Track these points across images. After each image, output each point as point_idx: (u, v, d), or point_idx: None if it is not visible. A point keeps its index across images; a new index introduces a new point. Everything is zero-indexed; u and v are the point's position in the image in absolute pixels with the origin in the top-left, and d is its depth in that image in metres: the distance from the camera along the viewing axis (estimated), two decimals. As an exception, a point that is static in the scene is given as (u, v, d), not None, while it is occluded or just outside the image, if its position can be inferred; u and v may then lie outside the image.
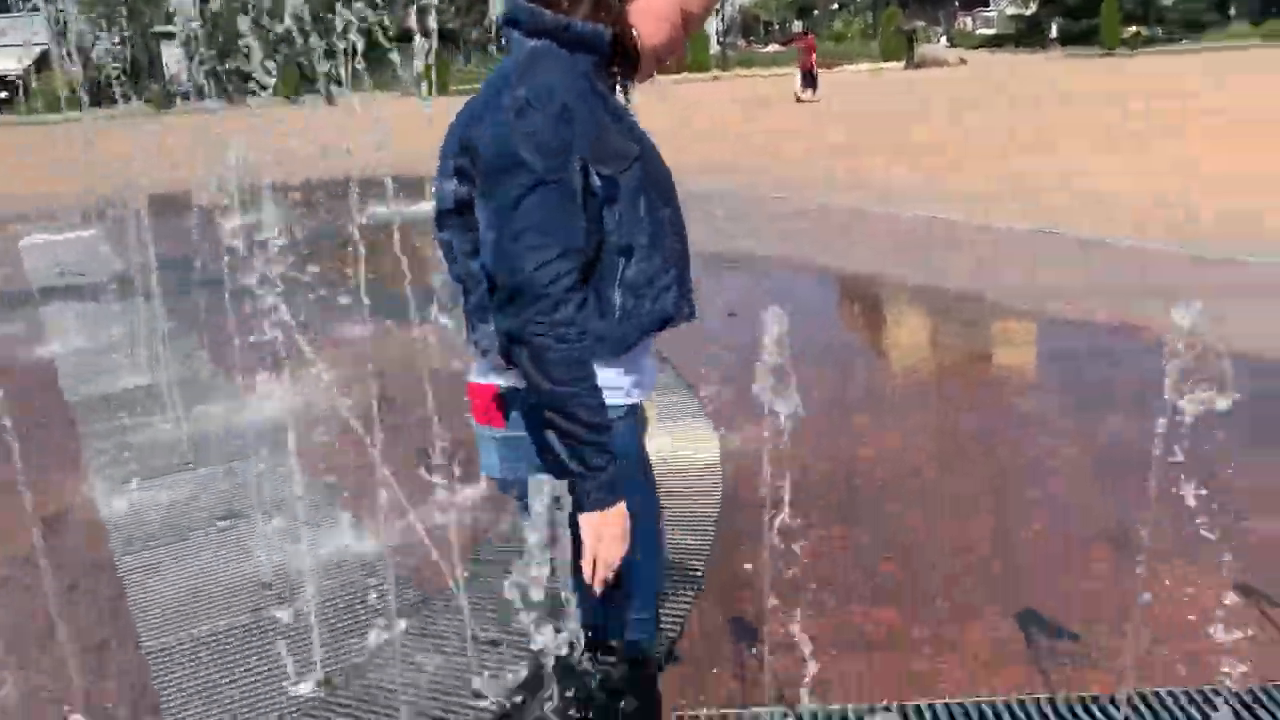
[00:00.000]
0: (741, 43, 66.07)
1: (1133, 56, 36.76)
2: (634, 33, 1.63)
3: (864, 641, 2.70)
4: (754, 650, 2.62)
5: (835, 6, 67.83)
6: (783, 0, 69.39)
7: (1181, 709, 2.35)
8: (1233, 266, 6.46)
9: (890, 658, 2.63)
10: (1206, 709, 2.32)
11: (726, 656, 2.64)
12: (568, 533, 1.56)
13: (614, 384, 1.64)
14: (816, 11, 67.52)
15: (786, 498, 1.95)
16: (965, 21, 60.58)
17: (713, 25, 55.40)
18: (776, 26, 70.68)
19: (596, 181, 1.57)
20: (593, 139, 1.56)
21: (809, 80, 24.79)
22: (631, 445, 1.71)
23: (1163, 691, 2.40)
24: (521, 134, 1.52)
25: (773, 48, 55.42)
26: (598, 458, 1.56)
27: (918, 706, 2.42)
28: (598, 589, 1.63)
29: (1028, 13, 49.90)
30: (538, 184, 1.52)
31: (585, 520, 1.59)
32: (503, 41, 1.67)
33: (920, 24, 50.27)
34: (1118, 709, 2.33)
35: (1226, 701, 2.29)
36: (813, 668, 2.18)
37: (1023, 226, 8.15)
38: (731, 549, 3.20)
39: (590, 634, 1.70)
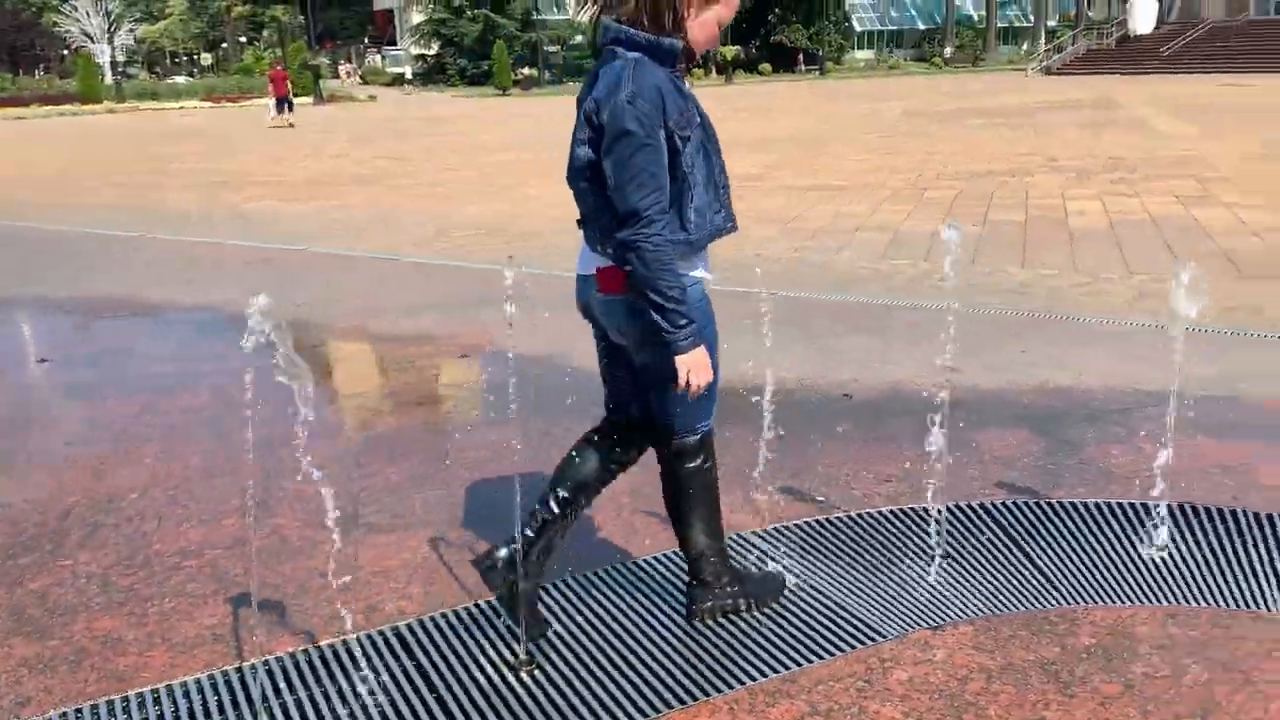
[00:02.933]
0: (144, 74, 63.13)
1: (526, 95, 43.85)
2: (691, 42, 2.47)
3: None
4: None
5: (244, 40, 67.21)
6: (189, 31, 66.48)
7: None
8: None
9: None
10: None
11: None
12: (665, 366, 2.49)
13: (693, 268, 2.51)
14: (225, 44, 66.54)
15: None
16: (376, 59, 63.15)
17: (105, 55, 55.31)
18: (186, 57, 67.52)
19: (678, 142, 2.39)
20: (675, 114, 2.38)
21: (282, 105, 28.65)
22: (704, 303, 2.56)
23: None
24: (632, 115, 2.32)
25: (181, 79, 55.00)
26: (681, 319, 2.41)
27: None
28: (691, 398, 2.53)
29: (431, 53, 55.73)
30: (642, 145, 2.33)
31: (680, 360, 2.45)
32: (606, 52, 2.47)
33: (325, 60, 53.23)
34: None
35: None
36: None
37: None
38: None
39: (669, 428, 2.69)
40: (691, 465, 2.72)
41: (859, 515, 3.50)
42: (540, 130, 23.48)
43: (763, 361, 5.38)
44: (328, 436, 4.48)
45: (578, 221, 2.59)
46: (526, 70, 53.93)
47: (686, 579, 2.89)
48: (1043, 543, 3.27)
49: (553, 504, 2.73)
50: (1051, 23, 60.90)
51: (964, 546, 3.25)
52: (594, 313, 2.64)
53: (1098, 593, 2.96)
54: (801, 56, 55.22)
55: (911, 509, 3.51)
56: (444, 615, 2.95)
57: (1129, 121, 19.08)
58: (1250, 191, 10.22)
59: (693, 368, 2.46)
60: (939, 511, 3.27)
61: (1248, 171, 11.66)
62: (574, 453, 2.78)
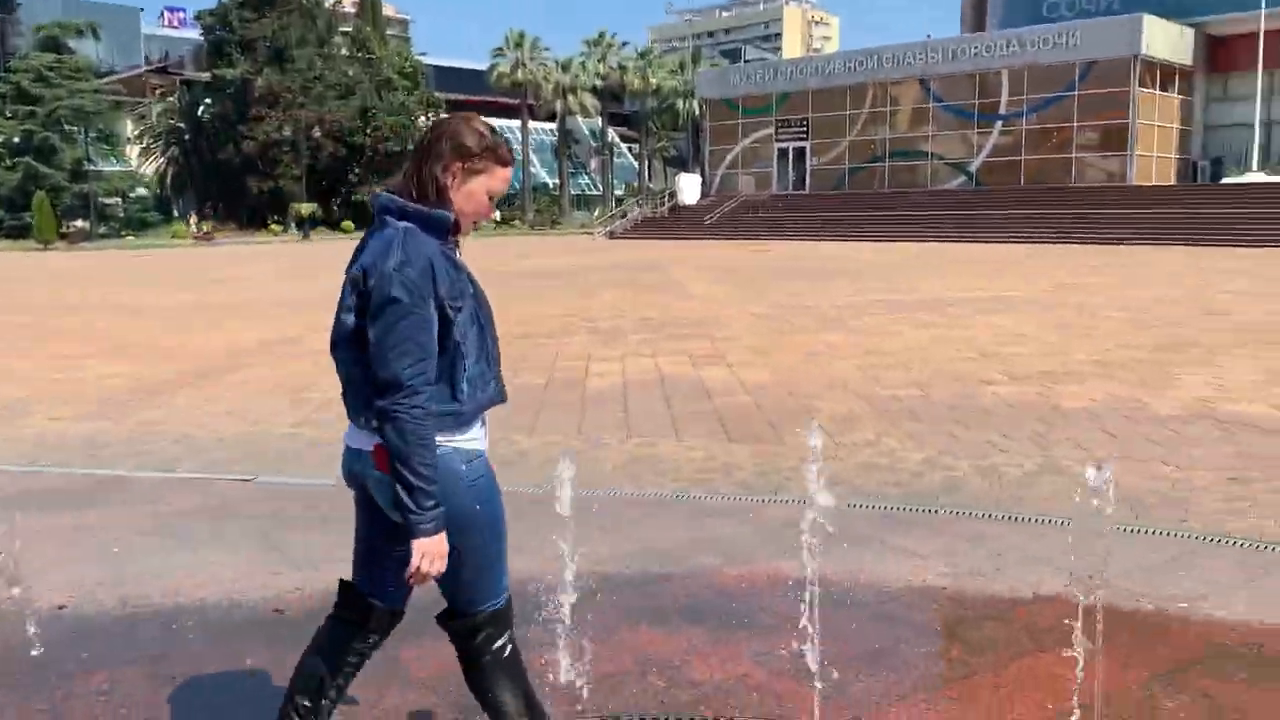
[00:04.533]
0: None
1: (71, 249, 42.31)
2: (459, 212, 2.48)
3: None
4: None
5: None
6: None
7: None
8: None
9: None
10: None
11: None
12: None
13: (468, 440, 2.48)
14: None
15: None
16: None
17: None
18: None
19: (449, 312, 2.40)
20: (446, 285, 2.40)
21: None
22: (487, 477, 2.54)
23: None
24: (400, 282, 2.34)
25: None
26: (429, 500, 2.36)
27: None
28: (414, 586, 2.47)
29: None
30: (409, 313, 2.35)
31: (418, 545, 2.37)
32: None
33: None
34: None
35: None
36: None
37: None
38: None
39: (466, 608, 2.62)
40: (488, 640, 2.60)
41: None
42: (42, 290, 21.03)
43: (198, 565, 4.67)
44: None
45: (342, 394, 2.53)
46: (79, 223, 49.43)
47: None
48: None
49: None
50: (619, 191, 66.61)
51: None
52: (361, 486, 2.54)
53: None
54: None
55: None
56: None
57: (667, 283, 20.67)
58: (752, 349, 11.12)
59: (429, 554, 2.37)
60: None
61: (754, 330, 12.78)
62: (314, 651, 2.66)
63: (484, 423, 2.57)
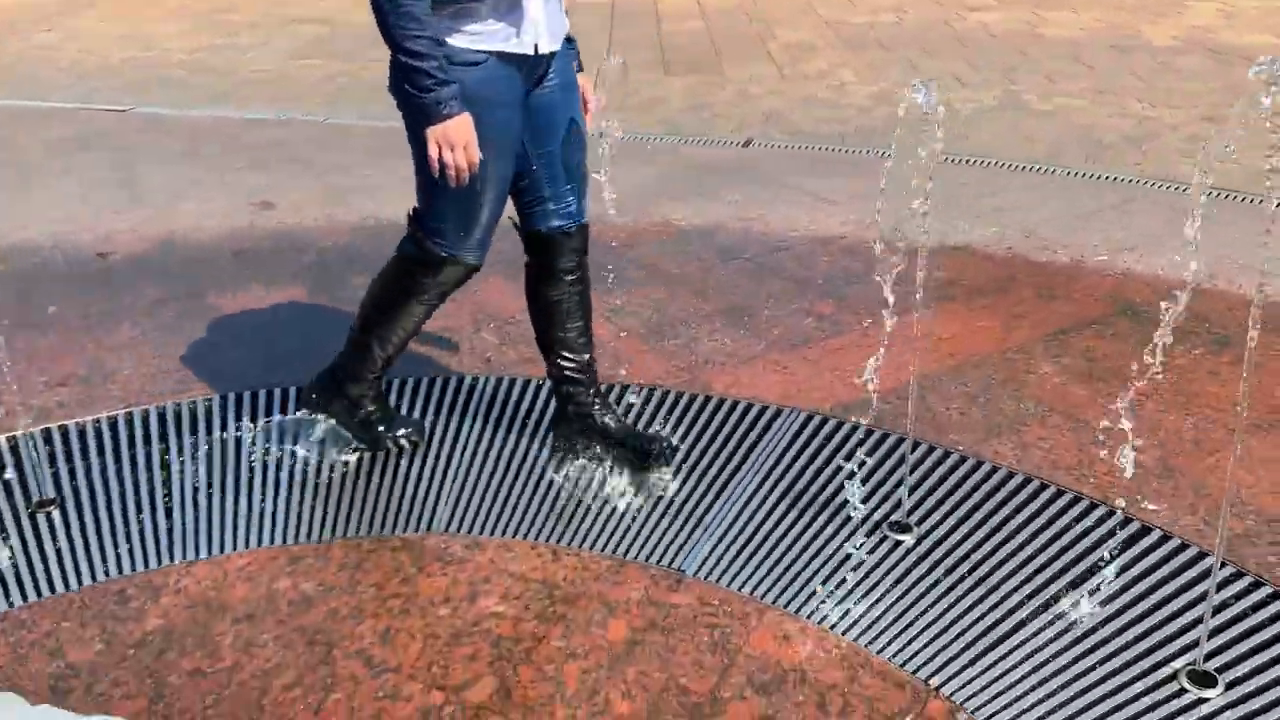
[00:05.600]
0: None
1: None
2: None
3: None
4: None
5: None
6: None
7: None
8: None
9: None
10: None
11: None
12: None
13: (466, 35, 2.03)
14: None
15: None
16: None
17: None
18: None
19: None
20: None
21: None
22: (488, 85, 2.05)
23: None
24: None
25: None
26: (427, 79, 1.96)
27: None
28: (452, 185, 2.05)
29: None
30: None
31: (430, 132, 1.99)
32: None
33: None
34: None
35: None
36: None
37: None
38: None
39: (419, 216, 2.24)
40: (418, 270, 2.27)
41: None
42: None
43: (33, 203, 4.29)
44: None
45: None
46: None
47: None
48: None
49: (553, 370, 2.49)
50: None
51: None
52: None
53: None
54: None
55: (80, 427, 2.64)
56: None
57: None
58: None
59: (445, 142, 2.00)
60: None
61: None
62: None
63: (514, 18, 2.04)
